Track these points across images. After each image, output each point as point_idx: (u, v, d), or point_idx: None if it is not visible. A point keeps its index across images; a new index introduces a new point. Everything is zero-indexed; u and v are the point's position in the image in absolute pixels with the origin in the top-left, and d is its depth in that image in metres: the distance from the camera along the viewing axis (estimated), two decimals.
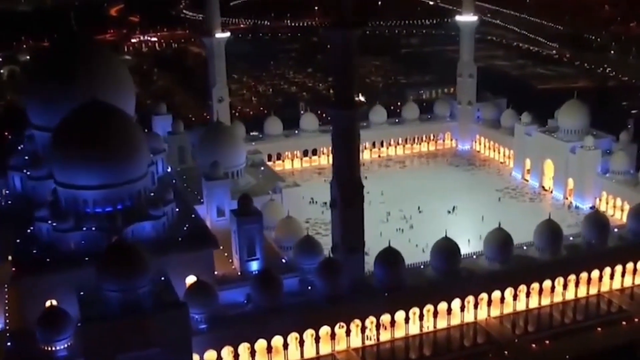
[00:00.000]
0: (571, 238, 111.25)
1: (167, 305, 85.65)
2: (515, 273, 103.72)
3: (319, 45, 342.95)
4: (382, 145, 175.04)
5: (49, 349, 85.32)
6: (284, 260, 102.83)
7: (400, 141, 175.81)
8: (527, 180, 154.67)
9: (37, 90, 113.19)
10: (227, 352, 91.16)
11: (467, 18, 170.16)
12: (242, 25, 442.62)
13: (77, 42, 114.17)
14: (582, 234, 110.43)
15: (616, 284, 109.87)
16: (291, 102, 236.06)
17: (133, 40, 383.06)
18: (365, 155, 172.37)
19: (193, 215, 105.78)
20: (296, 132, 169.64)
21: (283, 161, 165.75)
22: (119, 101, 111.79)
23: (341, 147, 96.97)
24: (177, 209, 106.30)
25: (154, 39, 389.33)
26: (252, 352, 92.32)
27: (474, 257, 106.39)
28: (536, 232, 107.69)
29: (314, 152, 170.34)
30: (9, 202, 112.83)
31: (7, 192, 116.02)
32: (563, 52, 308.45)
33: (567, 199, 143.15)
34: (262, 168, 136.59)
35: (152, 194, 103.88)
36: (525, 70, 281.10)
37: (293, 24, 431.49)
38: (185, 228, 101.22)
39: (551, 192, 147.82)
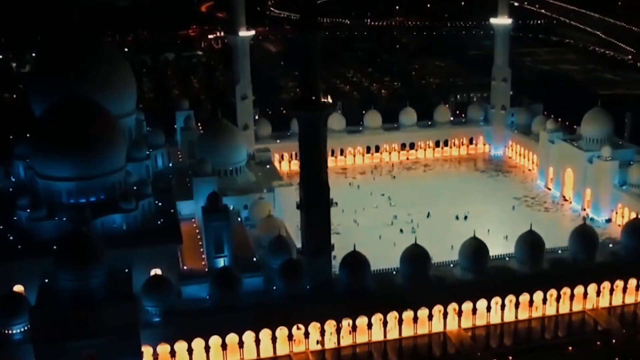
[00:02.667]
0: (560, 251, 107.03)
1: (116, 297, 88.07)
2: (488, 284, 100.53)
3: (387, 45, 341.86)
4: (411, 148, 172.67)
5: (5, 331, 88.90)
6: (255, 259, 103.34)
7: (430, 144, 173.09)
8: (549, 189, 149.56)
9: (37, 83, 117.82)
10: (180, 346, 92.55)
11: (501, 21, 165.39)
12: None
13: (79, 39, 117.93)
14: (569, 248, 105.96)
15: (604, 302, 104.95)
16: (343, 101, 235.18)
17: (210, 37, 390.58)
18: (394, 157, 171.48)
19: (172, 211, 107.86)
20: None
21: None
22: (117, 97, 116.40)
23: (307, 148, 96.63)
24: (160, 204, 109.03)
25: None
26: (207, 348, 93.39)
27: (451, 265, 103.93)
28: (517, 243, 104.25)
29: (341, 152, 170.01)
30: (10, 189, 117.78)
31: (13, 179, 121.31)
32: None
33: (584, 210, 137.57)
34: (268, 166, 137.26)
35: (135, 188, 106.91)
36: (592, 75, 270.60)
37: (373, 23, 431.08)
38: (159, 223, 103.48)
39: (570, 202, 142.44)
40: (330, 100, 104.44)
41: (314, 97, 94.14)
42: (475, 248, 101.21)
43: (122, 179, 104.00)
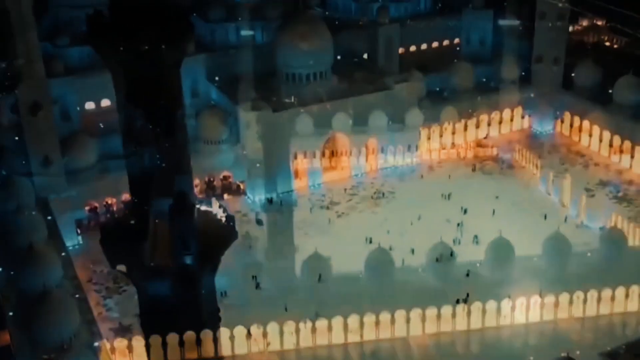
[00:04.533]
0: (535, 259, 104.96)
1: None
2: (452, 290, 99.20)
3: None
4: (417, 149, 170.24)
5: None
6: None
7: (436, 145, 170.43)
8: (549, 194, 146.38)
9: None
10: (136, 341, 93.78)
11: (509, 22, 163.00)
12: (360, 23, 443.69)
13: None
14: (541, 255, 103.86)
15: (577, 312, 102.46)
16: None
17: None
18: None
19: (146, 207, 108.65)
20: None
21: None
22: None
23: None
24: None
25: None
26: (164, 345, 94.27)
27: (420, 270, 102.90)
28: (487, 249, 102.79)
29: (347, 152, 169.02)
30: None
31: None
32: None
33: (579, 216, 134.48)
34: (258, 165, 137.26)
35: None
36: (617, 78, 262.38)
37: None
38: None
39: (568, 207, 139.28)
40: (293, 100, 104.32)
41: (274, 98, 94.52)
42: (441, 253, 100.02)
43: None
